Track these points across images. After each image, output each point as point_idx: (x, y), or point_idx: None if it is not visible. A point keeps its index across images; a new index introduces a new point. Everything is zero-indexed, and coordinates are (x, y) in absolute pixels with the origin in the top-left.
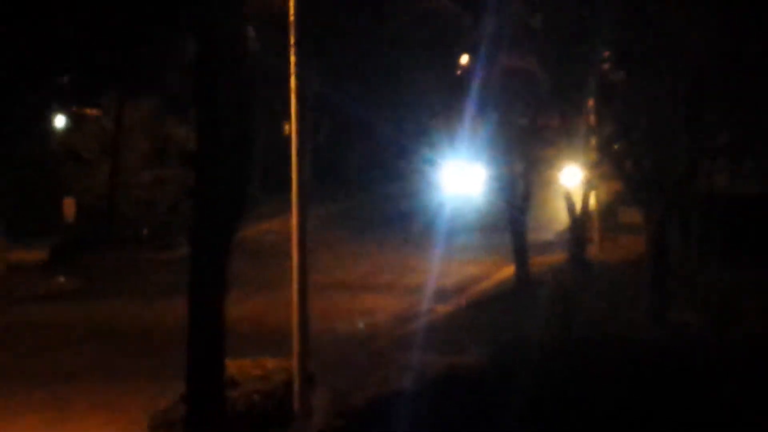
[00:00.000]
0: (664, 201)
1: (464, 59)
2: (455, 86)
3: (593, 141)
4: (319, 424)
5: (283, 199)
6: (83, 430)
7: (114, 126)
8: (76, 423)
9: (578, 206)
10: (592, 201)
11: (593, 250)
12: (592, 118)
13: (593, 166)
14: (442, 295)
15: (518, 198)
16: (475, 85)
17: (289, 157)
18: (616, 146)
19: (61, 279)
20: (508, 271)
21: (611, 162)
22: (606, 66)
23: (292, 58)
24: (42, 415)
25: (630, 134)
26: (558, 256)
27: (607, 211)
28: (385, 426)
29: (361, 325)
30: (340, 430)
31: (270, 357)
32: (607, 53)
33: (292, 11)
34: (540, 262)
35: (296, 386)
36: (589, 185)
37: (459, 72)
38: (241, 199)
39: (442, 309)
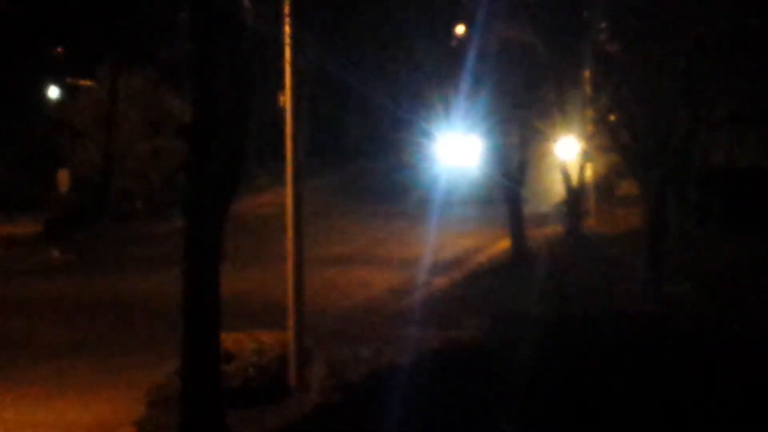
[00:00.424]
0: (661, 173)
1: (460, 30)
2: (451, 57)
3: (589, 112)
4: (316, 399)
5: (279, 172)
6: (81, 405)
7: (108, 98)
8: (74, 397)
9: (574, 178)
10: (589, 173)
11: (589, 223)
12: (588, 90)
13: (589, 138)
14: (438, 268)
15: (514, 170)
16: (471, 56)
17: (282, 127)
18: (612, 118)
19: (56, 253)
20: (505, 243)
21: (608, 134)
22: (602, 37)
23: (287, 28)
24: (39, 390)
25: (627, 106)
26: (554, 229)
27: (604, 183)
28: (382, 400)
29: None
30: (337, 405)
31: (266, 330)
32: (603, 24)
33: None
34: (536, 234)
35: (292, 360)
36: (585, 157)
37: (455, 42)
38: (236, 171)
39: (439, 282)
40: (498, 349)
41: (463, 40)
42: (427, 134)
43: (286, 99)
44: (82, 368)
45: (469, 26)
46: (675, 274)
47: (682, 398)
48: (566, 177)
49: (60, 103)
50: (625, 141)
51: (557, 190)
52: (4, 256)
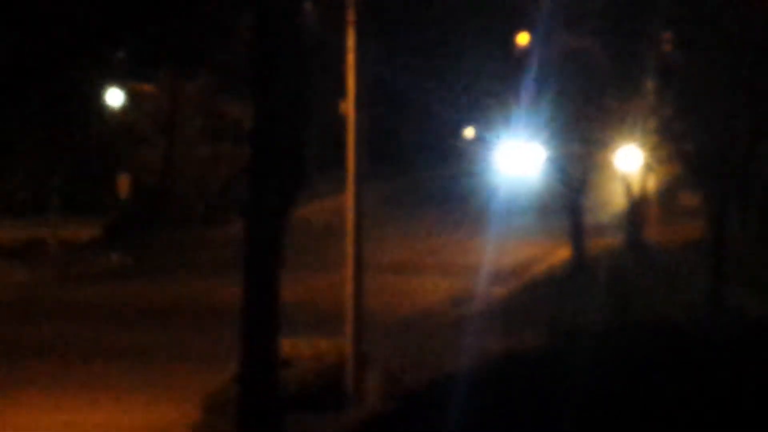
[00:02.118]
0: (724, 183)
1: (523, 39)
2: (513, 65)
3: (652, 123)
4: (373, 406)
5: (337, 178)
6: (137, 409)
7: (169, 102)
8: (130, 401)
9: (636, 189)
10: (650, 183)
11: (650, 233)
12: (650, 99)
13: (652, 149)
14: (498, 276)
15: (575, 180)
16: (533, 65)
17: (344, 135)
18: (675, 128)
19: (114, 257)
20: (565, 253)
21: (670, 144)
22: (666, 47)
23: (351, 35)
24: (96, 393)
25: (689, 116)
26: (615, 239)
27: (665, 193)
28: (440, 409)
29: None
30: (394, 413)
31: (323, 337)
32: (667, 34)
33: None
34: (596, 244)
35: (350, 367)
36: (647, 168)
37: (517, 51)
38: (297, 176)
39: (498, 291)
40: (558, 359)
41: (526, 49)
42: (488, 143)
43: (349, 105)
44: (139, 372)
45: (531, 35)
46: (737, 285)
47: (743, 410)
48: (627, 187)
49: (122, 107)
50: (687, 151)
51: (618, 200)
52: (64, 260)
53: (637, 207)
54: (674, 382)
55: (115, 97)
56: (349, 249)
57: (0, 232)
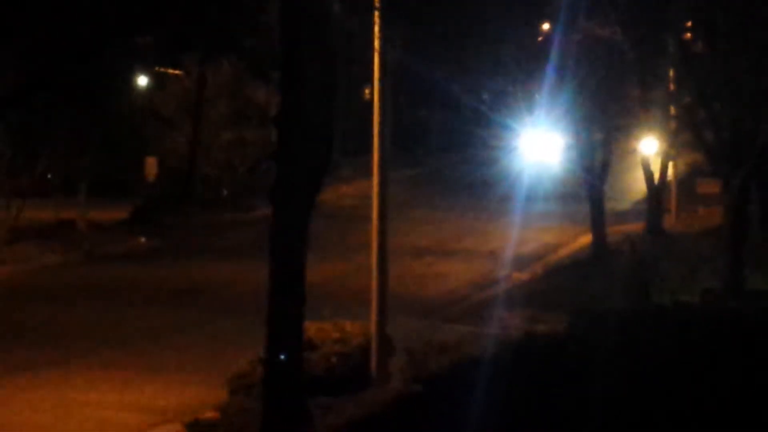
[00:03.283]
0: (744, 172)
1: (545, 26)
2: (536, 53)
3: (673, 110)
4: (397, 389)
5: (362, 163)
6: (166, 388)
7: (196, 87)
8: (159, 381)
9: (656, 176)
10: (670, 171)
11: (670, 220)
12: (672, 87)
13: (672, 136)
14: (519, 262)
15: (596, 167)
16: (556, 53)
17: (368, 120)
18: (695, 116)
19: (142, 239)
20: (586, 239)
21: (691, 132)
22: (688, 35)
23: (376, 20)
24: (126, 373)
25: (711, 104)
26: (635, 226)
27: (685, 181)
28: (463, 392)
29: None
30: (418, 395)
31: (348, 320)
32: (688, 22)
33: None
34: (617, 231)
35: (374, 350)
36: (667, 155)
37: (539, 39)
38: (323, 160)
39: (520, 276)
40: (579, 344)
41: (548, 37)
42: (510, 129)
43: (374, 89)
44: (167, 353)
45: (554, 23)
46: (756, 271)
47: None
48: (648, 174)
49: (148, 91)
50: (708, 139)
51: (639, 187)
52: (92, 241)
53: (658, 194)
54: (694, 363)
55: (142, 81)
56: (374, 233)
57: (29, 214)
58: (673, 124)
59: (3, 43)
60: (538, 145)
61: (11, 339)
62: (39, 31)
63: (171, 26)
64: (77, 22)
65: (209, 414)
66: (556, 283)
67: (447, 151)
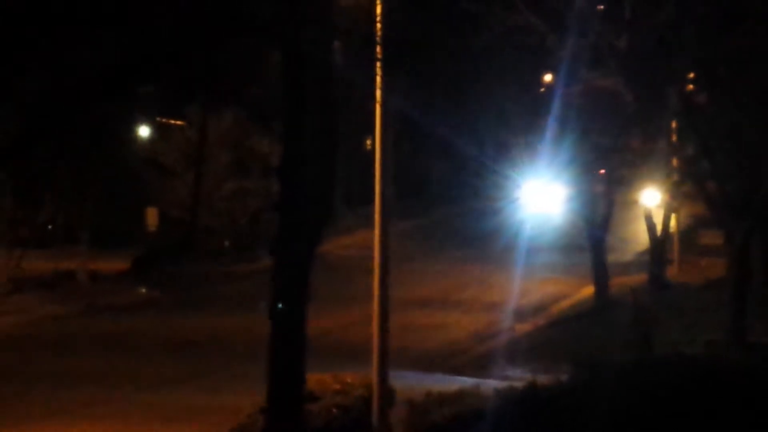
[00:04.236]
0: (747, 223)
1: (547, 77)
2: (537, 104)
3: (675, 162)
4: None
5: (363, 214)
6: None
7: (198, 137)
8: (160, 431)
9: (659, 227)
10: (673, 222)
11: (673, 272)
12: (674, 138)
13: (675, 187)
14: (521, 313)
15: (598, 218)
16: (558, 104)
17: (370, 171)
18: (698, 168)
19: (143, 290)
20: (588, 290)
21: (693, 183)
22: (690, 86)
23: (378, 72)
24: (127, 422)
25: (713, 155)
26: (637, 277)
27: (688, 233)
28: None
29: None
30: None
31: (349, 371)
32: (692, 74)
33: (378, 26)
34: (619, 282)
35: (375, 401)
36: (669, 206)
37: (542, 90)
38: (324, 212)
39: (522, 327)
40: (581, 394)
41: (551, 88)
42: (513, 180)
43: (376, 138)
44: (166, 404)
45: (556, 75)
46: (759, 323)
47: None
48: (650, 226)
49: (150, 141)
50: (711, 190)
51: (641, 238)
52: (93, 291)
53: (660, 245)
54: (696, 415)
55: (144, 131)
56: (375, 284)
57: (30, 264)
58: (675, 176)
59: (4, 93)
60: (540, 196)
61: (15, 387)
62: (41, 81)
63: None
64: (79, 72)
65: None
66: (558, 335)
67: (449, 202)
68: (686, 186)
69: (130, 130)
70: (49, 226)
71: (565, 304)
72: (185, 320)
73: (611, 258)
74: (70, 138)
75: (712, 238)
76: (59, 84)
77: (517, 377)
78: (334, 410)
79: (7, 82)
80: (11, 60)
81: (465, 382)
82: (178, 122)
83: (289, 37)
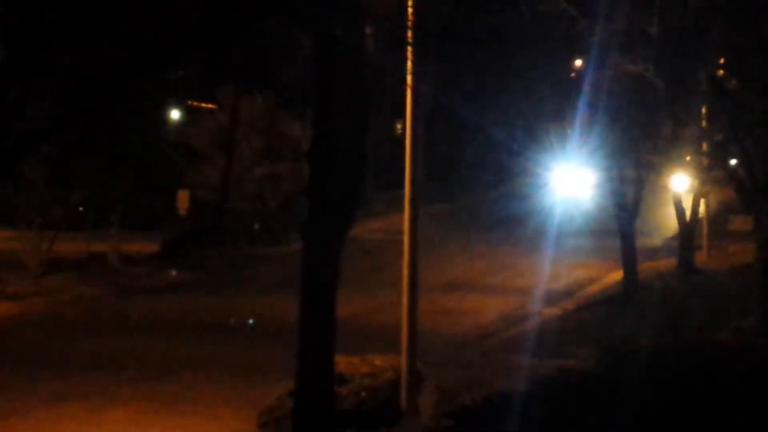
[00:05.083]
0: None
1: (578, 62)
2: (568, 89)
3: (705, 147)
4: (427, 423)
5: (393, 198)
6: (194, 422)
7: (229, 121)
8: (188, 414)
9: (688, 213)
10: (702, 208)
11: (702, 257)
12: (704, 123)
13: (704, 172)
14: (550, 297)
15: (628, 203)
16: (588, 89)
17: (400, 155)
18: (728, 152)
19: (173, 272)
20: (617, 275)
21: (723, 168)
22: (721, 71)
23: (409, 56)
24: (155, 405)
25: (743, 140)
26: (666, 262)
27: (717, 218)
28: (494, 427)
29: (250, 321)
30: (448, 430)
31: (378, 354)
32: (722, 59)
33: (410, 9)
34: (648, 267)
35: (404, 384)
36: (699, 192)
37: (572, 75)
38: (355, 195)
39: (551, 311)
40: (609, 380)
41: (581, 72)
42: (542, 164)
43: (406, 123)
44: (196, 386)
45: (587, 59)
46: None
47: None
48: (679, 211)
49: (181, 125)
50: (740, 176)
51: (670, 223)
52: (123, 273)
53: (689, 231)
54: (724, 400)
55: (175, 115)
56: (405, 268)
57: (61, 246)
58: (705, 161)
59: (37, 75)
60: (570, 180)
61: (44, 371)
62: (73, 63)
63: (205, 60)
64: (111, 56)
65: None
66: (587, 319)
67: (479, 187)
68: (716, 171)
69: (162, 114)
70: (81, 209)
71: (593, 288)
72: (215, 303)
73: (640, 243)
74: (103, 121)
75: (741, 223)
76: (91, 66)
77: (546, 361)
78: (363, 393)
79: (40, 64)
80: (43, 42)
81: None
82: (209, 106)
83: (321, 21)
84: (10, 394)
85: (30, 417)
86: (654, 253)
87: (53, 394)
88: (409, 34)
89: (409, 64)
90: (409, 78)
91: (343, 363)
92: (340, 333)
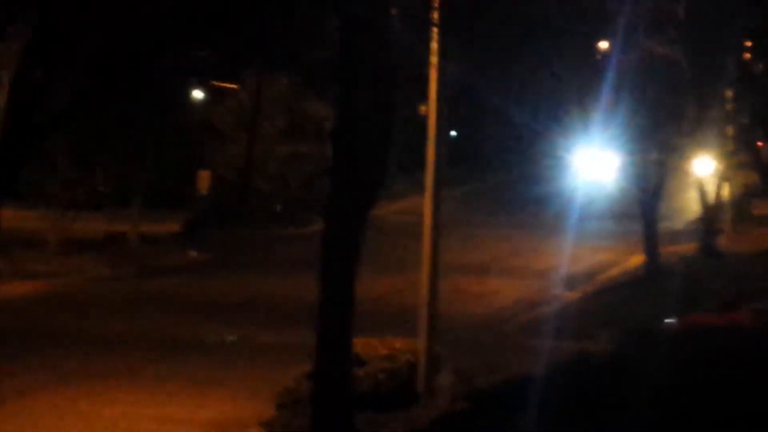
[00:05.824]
0: None
1: (604, 44)
2: (593, 71)
3: (729, 130)
4: (444, 406)
5: (415, 179)
6: (212, 403)
7: (252, 100)
8: (206, 395)
9: (711, 196)
10: (725, 191)
11: (724, 241)
12: (729, 107)
13: (729, 156)
14: (572, 280)
15: (651, 186)
16: (614, 71)
17: (423, 137)
18: (752, 136)
19: (193, 253)
20: (639, 258)
21: (748, 152)
22: (747, 55)
23: (433, 37)
24: (172, 386)
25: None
26: (688, 246)
27: (740, 202)
28: (511, 411)
29: (230, 338)
30: (465, 413)
31: (397, 337)
32: (747, 42)
33: None
34: (670, 251)
35: (422, 367)
36: (722, 175)
37: (599, 57)
38: (378, 176)
39: (572, 294)
40: (630, 362)
41: (607, 55)
42: (566, 147)
43: (429, 105)
44: (215, 366)
45: (612, 41)
46: None
47: None
48: (703, 194)
49: (204, 104)
50: (765, 159)
51: (693, 207)
52: (144, 254)
53: (712, 215)
54: (744, 382)
55: (198, 94)
56: (425, 250)
57: (82, 226)
58: (729, 144)
59: (60, 55)
60: (593, 163)
61: (58, 349)
62: (96, 43)
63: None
64: (133, 34)
65: (254, 429)
66: (608, 302)
67: (502, 169)
68: (740, 155)
69: (185, 93)
70: (102, 188)
71: (615, 271)
72: (235, 283)
73: (663, 226)
74: (126, 100)
75: (765, 207)
76: (114, 45)
77: (566, 344)
78: (381, 375)
79: (63, 43)
80: (66, 21)
81: (513, 348)
82: (233, 86)
83: (347, 1)
84: (27, 373)
85: (47, 395)
86: (676, 236)
87: (70, 373)
88: (434, 14)
89: (433, 44)
90: (433, 58)
91: (361, 344)
92: (360, 315)
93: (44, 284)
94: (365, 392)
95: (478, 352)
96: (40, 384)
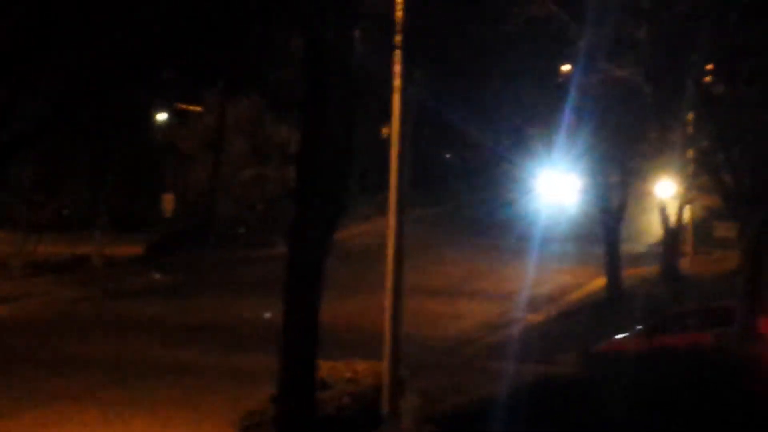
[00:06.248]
0: (762, 215)
1: (565, 67)
2: (554, 94)
3: (691, 153)
4: (408, 429)
5: (378, 202)
6: (176, 425)
7: (216, 123)
8: (169, 417)
9: (672, 219)
10: (687, 214)
11: (686, 264)
12: (690, 130)
13: (690, 179)
14: (534, 302)
15: (613, 209)
16: (575, 94)
17: (386, 159)
18: (714, 159)
19: (156, 275)
20: (601, 281)
21: (709, 175)
22: (708, 78)
23: (397, 60)
24: (136, 408)
25: (729, 147)
26: (650, 268)
27: (701, 224)
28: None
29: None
30: None
31: (361, 360)
32: (709, 66)
33: (398, 14)
34: (632, 273)
35: (386, 390)
36: (684, 198)
37: (560, 80)
38: (341, 199)
39: (535, 317)
40: (592, 385)
41: (568, 78)
42: (528, 170)
43: (393, 128)
44: (179, 388)
45: (574, 65)
46: None
47: None
48: (664, 217)
49: (168, 126)
50: (726, 182)
51: (655, 230)
52: (107, 276)
53: (674, 237)
54: (702, 404)
55: (162, 117)
56: (388, 273)
57: (46, 248)
58: (690, 167)
59: (25, 80)
60: (555, 186)
61: (29, 372)
62: (61, 68)
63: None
64: (99, 58)
65: None
66: (570, 325)
67: (465, 191)
68: (701, 178)
69: (149, 116)
70: (66, 211)
71: (577, 294)
72: (198, 306)
73: (625, 249)
74: (90, 124)
75: (726, 230)
76: (79, 71)
77: (529, 367)
78: (345, 398)
79: (29, 69)
80: (32, 48)
81: (477, 371)
82: (197, 108)
83: (311, 23)
84: None
85: (19, 418)
86: (638, 259)
87: (30, 395)
88: (398, 37)
89: (396, 67)
90: (396, 81)
91: (326, 368)
92: (324, 337)
93: (8, 307)
94: (329, 415)
95: (443, 375)
96: (9, 407)
